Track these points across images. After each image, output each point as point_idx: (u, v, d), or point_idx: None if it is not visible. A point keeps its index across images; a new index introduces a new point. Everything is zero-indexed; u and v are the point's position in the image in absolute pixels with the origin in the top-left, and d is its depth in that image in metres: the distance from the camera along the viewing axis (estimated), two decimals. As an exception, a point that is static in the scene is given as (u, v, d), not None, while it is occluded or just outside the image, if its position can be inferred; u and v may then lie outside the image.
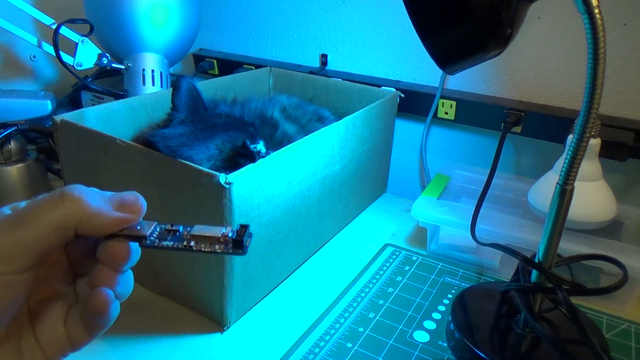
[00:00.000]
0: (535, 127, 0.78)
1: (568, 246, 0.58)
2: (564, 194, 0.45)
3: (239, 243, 0.30)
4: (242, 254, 0.30)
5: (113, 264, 0.29)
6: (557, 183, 0.45)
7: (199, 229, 0.30)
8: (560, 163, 0.65)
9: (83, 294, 0.31)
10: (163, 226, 0.31)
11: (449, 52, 0.42)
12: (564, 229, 0.47)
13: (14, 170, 0.79)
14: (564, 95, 0.78)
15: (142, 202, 0.30)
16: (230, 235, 0.30)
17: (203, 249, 0.30)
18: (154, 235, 0.30)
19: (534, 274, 0.50)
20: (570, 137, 0.63)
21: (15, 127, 0.76)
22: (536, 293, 0.50)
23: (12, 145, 0.78)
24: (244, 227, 0.30)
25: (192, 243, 0.30)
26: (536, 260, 0.49)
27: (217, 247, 0.30)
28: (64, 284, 0.31)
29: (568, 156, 0.43)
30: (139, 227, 0.30)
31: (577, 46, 0.75)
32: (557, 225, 0.46)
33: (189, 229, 0.30)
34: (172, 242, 0.30)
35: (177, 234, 0.30)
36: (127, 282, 0.30)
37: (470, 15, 0.40)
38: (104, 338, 0.53)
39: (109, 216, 0.28)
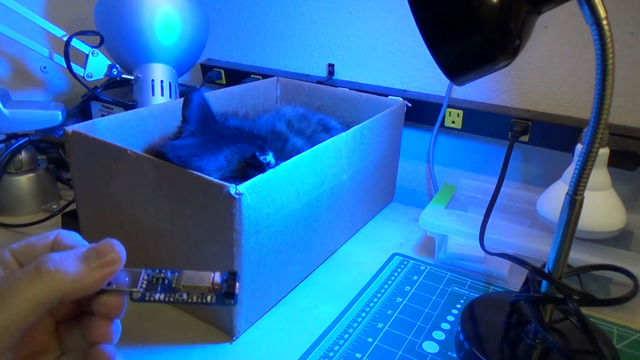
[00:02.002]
0: (542, 136, 0.78)
1: (577, 256, 0.58)
2: (574, 204, 0.45)
3: (229, 294, 0.30)
4: (232, 304, 0.30)
5: (110, 315, 0.30)
6: (567, 193, 0.45)
7: (189, 276, 0.30)
8: (569, 172, 0.65)
9: (73, 344, 0.31)
10: (150, 272, 0.31)
11: (458, 64, 0.43)
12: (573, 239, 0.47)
13: (25, 180, 0.80)
14: (571, 105, 0.78)
15: (119, 249, 0.29)
16: (220, 280, 0.30)
17: (194, 300, 0.30)
18: (143, 286, 0.30)
19: (544, 284, 0.50)
20: (578, 147, 0.63)
21: (27, 139, 0.76)
22: (546, 304, 0.49)
23: (23, 155, 0.79)
24: (233, 275, 0.31)
25: (184, 295, 0.30)
26: (546, 271, 0.49)
27: (208, 297, 0.30)
28: (47, 336, 0.31)
29: (577, 166, 0.44)
30: (126, 278, 0.30)
31: (584, 55, 0.75)
32: (567, 235, 0.46)
33: (177, 273, 0.31)
34: (162, 294, 0.30)
35: (166, 281, 0.30)
36: (118, 327, 0.31)
37: (479, 27, 0.41)
38: (114, 348, 0.53)
39: (90, 279, 0.28)
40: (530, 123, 0.78)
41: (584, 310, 0.48)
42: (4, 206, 0.79)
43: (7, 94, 0.79)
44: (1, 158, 0.76)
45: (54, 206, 0.80)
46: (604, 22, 0.39)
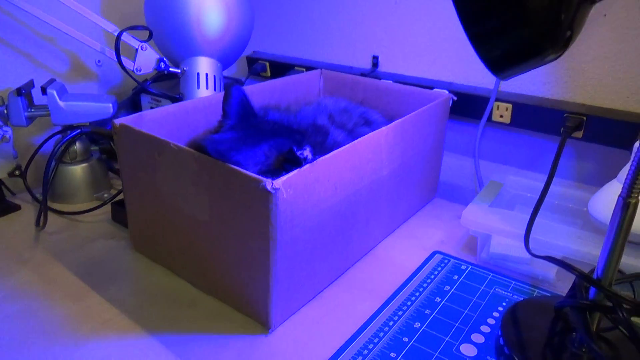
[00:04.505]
0: (598, 132, 0.73)
1: (630, 261, 0.54)
2: (627, 207, 0.42)
3: None
4: None
5: None
6: (620, 196, 0.42)
7: None
8: (625, 172, 0.61)
9: None
10: None
11: (503, 58, 0.41)
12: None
13: (79, 170, 0.84)
14: (631, 99, 0.73)
15: None
16: None
17: None
18: None
19: (592, 290, 0.47)
20: (637, 144, 0.59)
21: (79, 130, 0.80)
22: (594, 311, 0.47)
23: (77, 145, 0.83)
24: None
25: None
26: (595, 277, 0.46)
27: None
28: None
29: (633, 166, 0.41)
30: None
31: (647, 46, 0.70)
32: (619, 240, 0.43)
33: None
34: None
35: None
36: None
37: (526, 17, 0.39)
38: (154, 334, 0.55)
39: None
40: (585, 118, 0.73)
41: (635, 320, 0.45)
42: (60, 194, 0.83)
43: (63, 87, 0.83)
44: (57, 148, 0.80)
45: (105, 195, 0.84)
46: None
